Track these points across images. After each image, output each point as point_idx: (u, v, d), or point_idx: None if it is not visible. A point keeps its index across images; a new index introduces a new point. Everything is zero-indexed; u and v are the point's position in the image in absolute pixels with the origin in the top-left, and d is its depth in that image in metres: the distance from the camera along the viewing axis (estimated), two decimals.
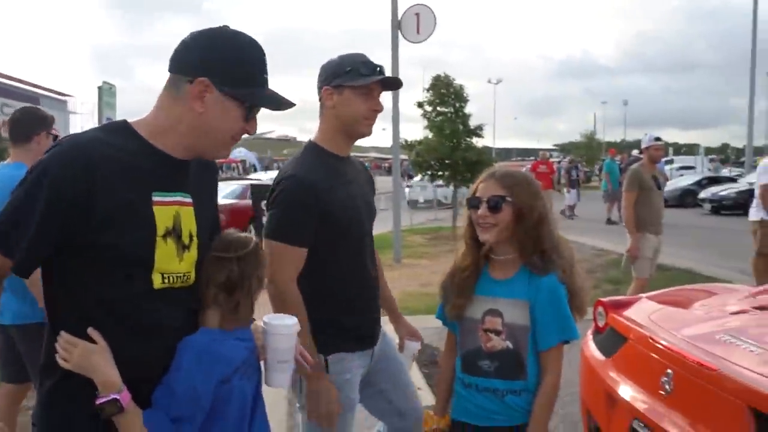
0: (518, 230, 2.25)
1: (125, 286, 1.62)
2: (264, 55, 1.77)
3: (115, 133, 1.66)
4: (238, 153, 49.25)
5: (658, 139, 6.91)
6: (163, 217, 1.67)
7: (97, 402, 1.58)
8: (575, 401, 4.81)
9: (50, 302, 1.70)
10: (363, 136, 2.62)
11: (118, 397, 1.59)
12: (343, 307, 2.56)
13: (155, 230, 1.65)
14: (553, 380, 2.30)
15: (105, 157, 1.58)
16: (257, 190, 10.12)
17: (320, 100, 2.57)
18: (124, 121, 1.74)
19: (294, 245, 2.41)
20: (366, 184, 2.80)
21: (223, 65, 1.67)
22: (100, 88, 30.89)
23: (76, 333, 1.61)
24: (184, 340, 1.72)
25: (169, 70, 1.72)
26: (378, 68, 2.52)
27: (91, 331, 1.61)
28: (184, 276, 1.75)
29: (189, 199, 1.77)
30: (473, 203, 2.30)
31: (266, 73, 1.78)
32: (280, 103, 1.79)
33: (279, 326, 1.91)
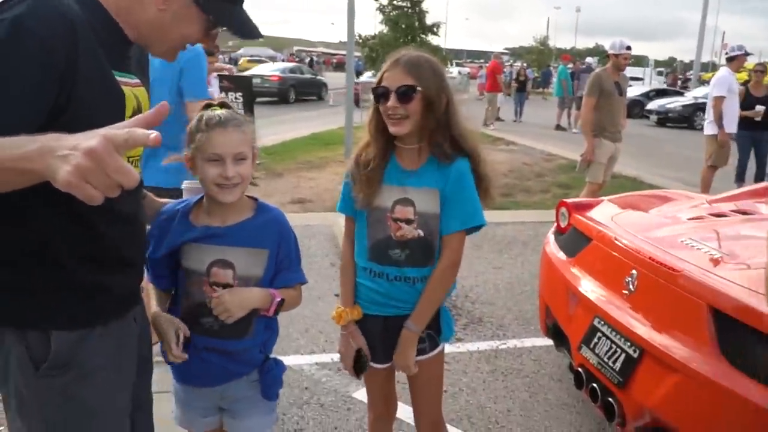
0: (428, 119, 2.13)
1: None
2: None
3: (81, 2, 1.46)
4: None
5: (629, 48, 6.85)
6: (128, 95, 1.54)
7: (272, 311, 1.91)
8: (528, 299, 4.98)
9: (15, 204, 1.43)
10: None
11: (279, 299, 1.91)
12: None
13: (124, 110, 1.52)
14: (450, 263, 2.22)
15: (80, 23, 1.39)
16: None
17: None
18: None
19: None
20: None
21: None
22: None
23: (56, 235, 1.48)
24: (276, 217, 1.99)
25: None
26: None
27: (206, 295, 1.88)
28: (138, 159, 1.68)
29: (137, 80, 1.64)
30: (380, 93, 2.15)
31: None
32: (247, 31, 1.66)
33: None
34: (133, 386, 1.76)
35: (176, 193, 2.17)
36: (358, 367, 2.30)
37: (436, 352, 2.31)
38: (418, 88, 2.10)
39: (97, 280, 1.58)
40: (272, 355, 2.08)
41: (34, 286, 1.51)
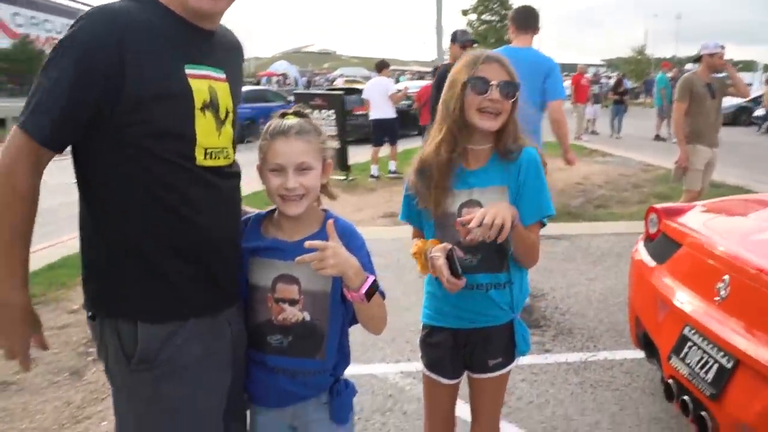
0: (511, 118, 2.10)
1: (172, 165, 1.58)
2: None
3: (143, 3, 1.59)
4: (279, 66, 48.91)
5: (723, 47, 6.48)
6: (199, 89, 1.62)
7: (364, 290, 1.69)
8: (620, 310, 4.81)
9: (92, 197, 1.64)
10: None
11: (373, 278, 1.72)
12: None
13: (193, 102, 1.60)
14: (535, 240, 2.15)
15: (136, 28, 1.53)
16: None
17: None
18: None
19: None
20: None
21: None
22: None
23: (128, 222, 1.59)
24: (342, 228, 1.80)
25: None
26: None
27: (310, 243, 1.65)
28: (223, 151, 1.72)
29: (222, 75, 1.71)
30: (479, 86, 2.04)
31: None
32: None
33: None
34: (228, 393, 1.78)
35: None
36: (454, 268, 2.04)
37: (509, 368, 2.26)
38: (521, 87, 2.09)
39: (186, 270, 1.65)
40: (343, 377, 1.98)
41: (123, 276, 1.61)
